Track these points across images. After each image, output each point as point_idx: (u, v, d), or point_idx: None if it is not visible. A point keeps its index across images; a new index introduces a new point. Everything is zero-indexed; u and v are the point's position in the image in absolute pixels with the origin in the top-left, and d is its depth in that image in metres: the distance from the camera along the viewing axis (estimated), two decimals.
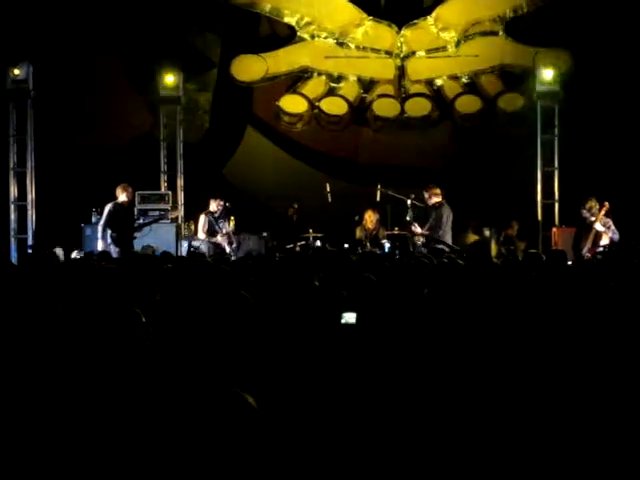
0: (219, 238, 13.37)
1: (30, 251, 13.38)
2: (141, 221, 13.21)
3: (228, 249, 13.34)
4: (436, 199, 13.29)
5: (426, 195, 13.33)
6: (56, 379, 4.28)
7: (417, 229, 13.19)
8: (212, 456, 2.83)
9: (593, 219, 12.57)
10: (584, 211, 12.68)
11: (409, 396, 4.45)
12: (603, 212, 12.57)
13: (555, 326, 5.37)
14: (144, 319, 4.91)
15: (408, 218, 13.24)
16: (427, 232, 13.17)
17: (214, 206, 13.43)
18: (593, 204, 12.65)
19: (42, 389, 4.09)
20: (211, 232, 13.42)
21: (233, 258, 12.01)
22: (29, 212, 14.59)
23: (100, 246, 12.55)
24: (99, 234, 12.81)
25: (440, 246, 12.52)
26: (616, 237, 12.68)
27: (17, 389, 3.98)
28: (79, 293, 6.15)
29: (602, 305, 5.83)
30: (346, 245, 13.09)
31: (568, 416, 4.19)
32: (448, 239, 13.21)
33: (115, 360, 4.75)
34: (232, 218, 13.57)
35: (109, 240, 12.69)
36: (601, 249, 12.48)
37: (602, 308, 5.77)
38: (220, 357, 4.78)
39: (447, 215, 13.21)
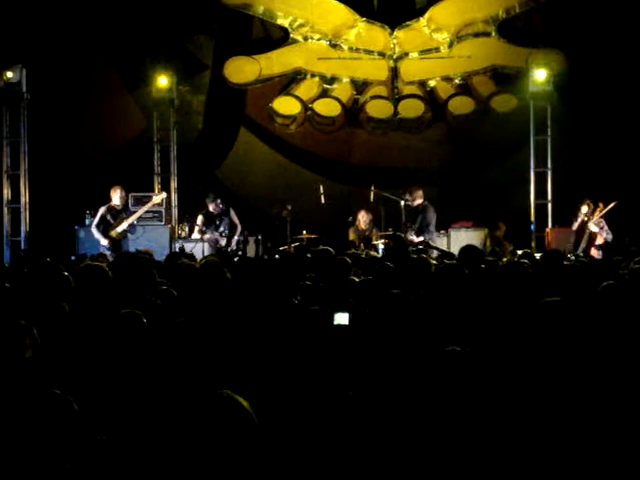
0: (215, 236, 13.35)
1: (22, 254, 13.33)
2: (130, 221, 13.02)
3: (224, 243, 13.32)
4: (420, 200, 13.33)
5: (409, 197, 13.33)
6: (51, 380, 4.28)
7: (414, 237, 13.16)
8: (207, 459, 2.83)
9: (586, 219, 12.63)
10: (580, 213, 12.73)
11: (402, 397, 4.45)
12: (598, 213, 12.62)
13: (553, 327, 5.37)
14: (144, 321, 4.92)
15: (408, 229, 13.19)
16: (422, 238, 13.15)
17: (212, 207, 13.42)
18: (588, 205, 12.72)
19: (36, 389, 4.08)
20: (205, 231, 13.41)
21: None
22: (22, 215, 14.57)
23: (103, 243, 12.61)
24: (95, 235, 12.81)
25: (433, 250, 12.55)
26: (610, 237, 12.74)
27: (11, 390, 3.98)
28: (74, 296, 6.14)
29: (597, 304, 5.84)
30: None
31: (567, 417, 4.20)
32: (435, 239, 13.26)
33: (111, 363, 4.75)
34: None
35: (103, 243, 12.70)
36: (595, 252, 12.55)
37: (597, 307, 5.78)
38: (213, 359, 4.78)
39: (434, 216, 13.28)
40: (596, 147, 14.54)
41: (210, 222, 13.45)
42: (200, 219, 13.49)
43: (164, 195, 13.86)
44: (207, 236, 13.41)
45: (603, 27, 14.87)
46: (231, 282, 6.54)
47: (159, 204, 13.65)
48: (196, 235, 13.48)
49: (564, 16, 15.19)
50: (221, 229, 13.42)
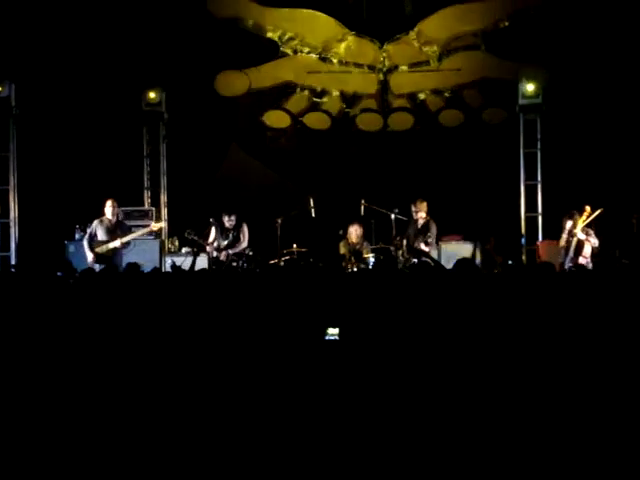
0: (209, 248, 13.35)
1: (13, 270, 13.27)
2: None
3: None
4: (424, 214, 13.31)
5: (414, 209, 13.33)
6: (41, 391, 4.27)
7: (423, 246, 13.10)
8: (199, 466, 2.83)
9: (575, 231, 12.68)
10: (569, 223, 12.76)
11: (393, 410, 4.44)
12: (584, 217, 12.65)
13: (543, 340, 5.37)
14: (130, 336, 4.90)
15: (426, 240, 13.13)
16: (429, 248, 13.13)
17: (225, 219, 13.42)
18: (573, 219, 12.76)
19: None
20: (215, 243, 13.42)
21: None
22: (12, 229, 14.55)
23: (90, 257, 12.52)
24: (85, 249, 12.77)
25: (426, 260, 12.53)
26: (596, 244, 12.76)
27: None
28: (62, 311, 6.12)
29: (589, 316, 5.85)
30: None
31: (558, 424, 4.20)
32: (433, 253, 13.25)
33: (98, 373, 4.73)
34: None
35: (89, 259, 12.65)
36: (583, 261, 12.56)
37: (589, 319, 5.79)
38: (207, 371, 4.77)
39: (436, 232, 13.30)
40: (586, 159, 14.57)
41: (220, 235, 13.43)
42: (213, 231, 13.45)
43: (162, 224, 13.75)
44: (208, 248, 13.41)
45: (591, 39, 14.91)
46: (222, 295, 6.52)
47: (156, 231, 13.65)
48: (207, 247, 13.44)
49: (552, 29, 15.24)
50: (223, 242, 13.38)
